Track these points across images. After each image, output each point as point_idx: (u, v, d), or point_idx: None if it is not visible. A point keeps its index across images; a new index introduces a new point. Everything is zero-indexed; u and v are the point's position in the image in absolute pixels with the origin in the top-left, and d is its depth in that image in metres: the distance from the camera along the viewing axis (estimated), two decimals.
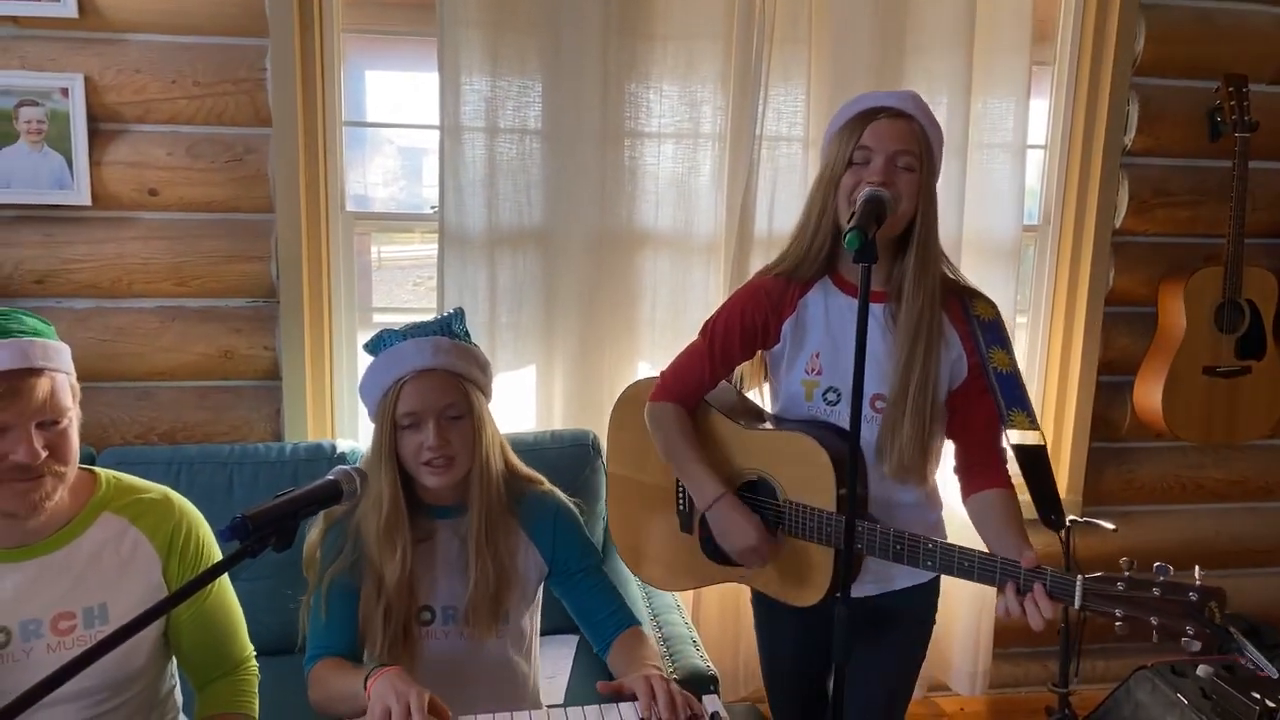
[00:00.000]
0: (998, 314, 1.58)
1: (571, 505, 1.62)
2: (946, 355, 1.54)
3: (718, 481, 1.58)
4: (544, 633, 2.11)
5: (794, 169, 2.51)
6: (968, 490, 1.59)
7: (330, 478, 1.23)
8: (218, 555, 1.52)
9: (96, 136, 2.31)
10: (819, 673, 1.77)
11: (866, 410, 1.53)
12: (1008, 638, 2.86)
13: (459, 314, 1.57)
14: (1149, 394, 2.71)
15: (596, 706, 1.27)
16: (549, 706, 1.32)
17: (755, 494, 1.62)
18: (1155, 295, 2.76)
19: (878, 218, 1.30)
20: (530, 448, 2.29)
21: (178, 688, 1.59)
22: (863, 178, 1.45)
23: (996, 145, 2.57)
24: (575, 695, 2.02)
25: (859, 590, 1.60)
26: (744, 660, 2.68)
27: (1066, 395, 2.83)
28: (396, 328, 1.52)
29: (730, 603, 2.66)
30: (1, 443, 1.26)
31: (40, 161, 2.29)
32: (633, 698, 1.29)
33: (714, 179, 2.48)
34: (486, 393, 1.55)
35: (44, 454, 1.28)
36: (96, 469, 1.47)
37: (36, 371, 1.28)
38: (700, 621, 2.61)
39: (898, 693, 1.72)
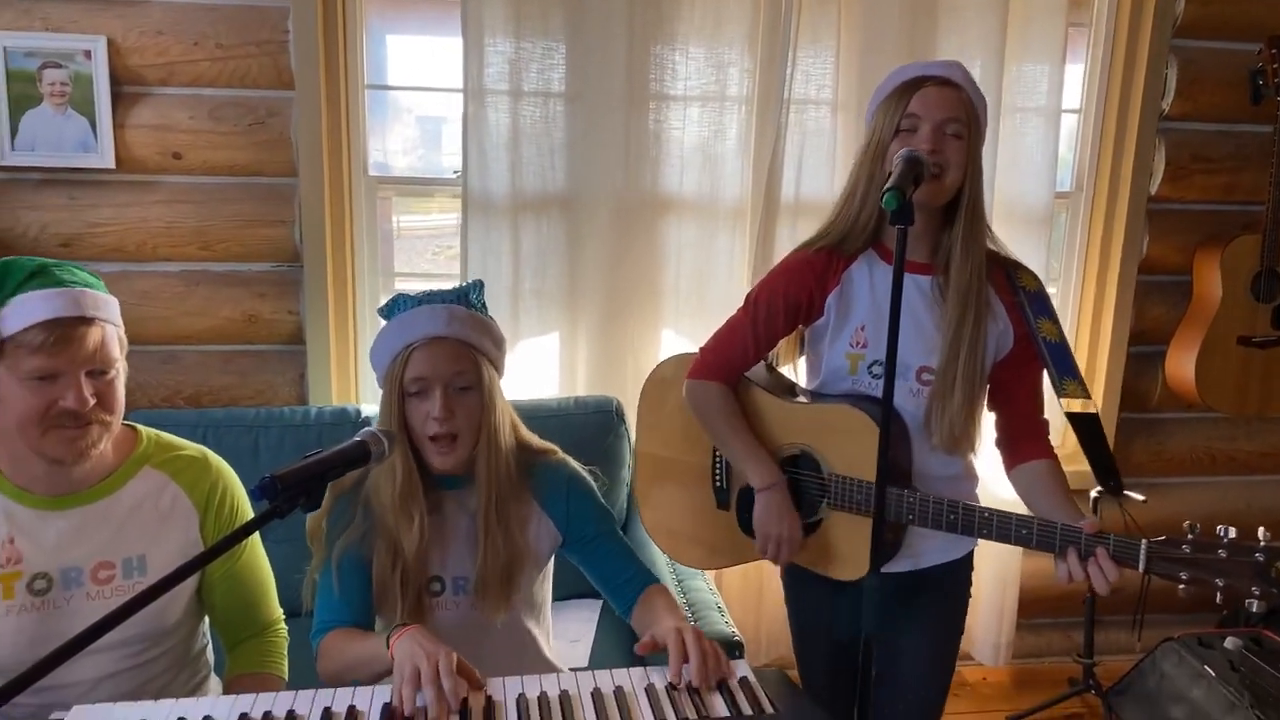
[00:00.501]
0: (1041, 285, 1.55)
1: (584, 472, 1.60)
2: (993, 327, 1.52)
3: (774, 467, 1.57)
4: (567, 597, 2.13)
5: (822, 133, 2.46)
6: (1013, 462, 1.57)
7: (358, 439, 1.23)
8: (250, 514, 1.55)
9: (120, 99, 2.31)
10: (851, 644, 1.76)
11: (912, 383, 1.52)
12: (1031, 609, 2.85)
13: (478, 285, 1.54)
14: (1181, 364, 2.67)
15: (625, 670, 1.27)
16: (573, 670, 1.32)
17: (798, 468, 1.60)
18: (1190, 263, 2.70)
19: (916, 178, 1.28)
20: (553, 414, 2.29)
21: (209, 647, 1.61)
22: (912, 145, 1.43)
23: (1030, 110, 2.51)
24: (599, 659, 2.03)
25: (893, 566, 1.59)
26: (766, 628, 2.69)
27: (1097, 365, 2.79)
28: (413, 293, 1.50)
29: (753, 570, 2.66)
30: (52, 389, 1.29)
31: (64, 124, 2.29)
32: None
33: (740, 143, 2.45)
34: (499, 367, 1.51)
35: (92, 401, 1.30)
36: (138, 425, 1.49)
37: (88, 321, 1.31)
38: (722, 589, 2.61)
39: (937, 671, 1.69)
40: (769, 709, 1.17)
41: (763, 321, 1.59)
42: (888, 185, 1.22)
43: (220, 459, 1.53)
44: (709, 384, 1.62)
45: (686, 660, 1.23)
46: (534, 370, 2.51)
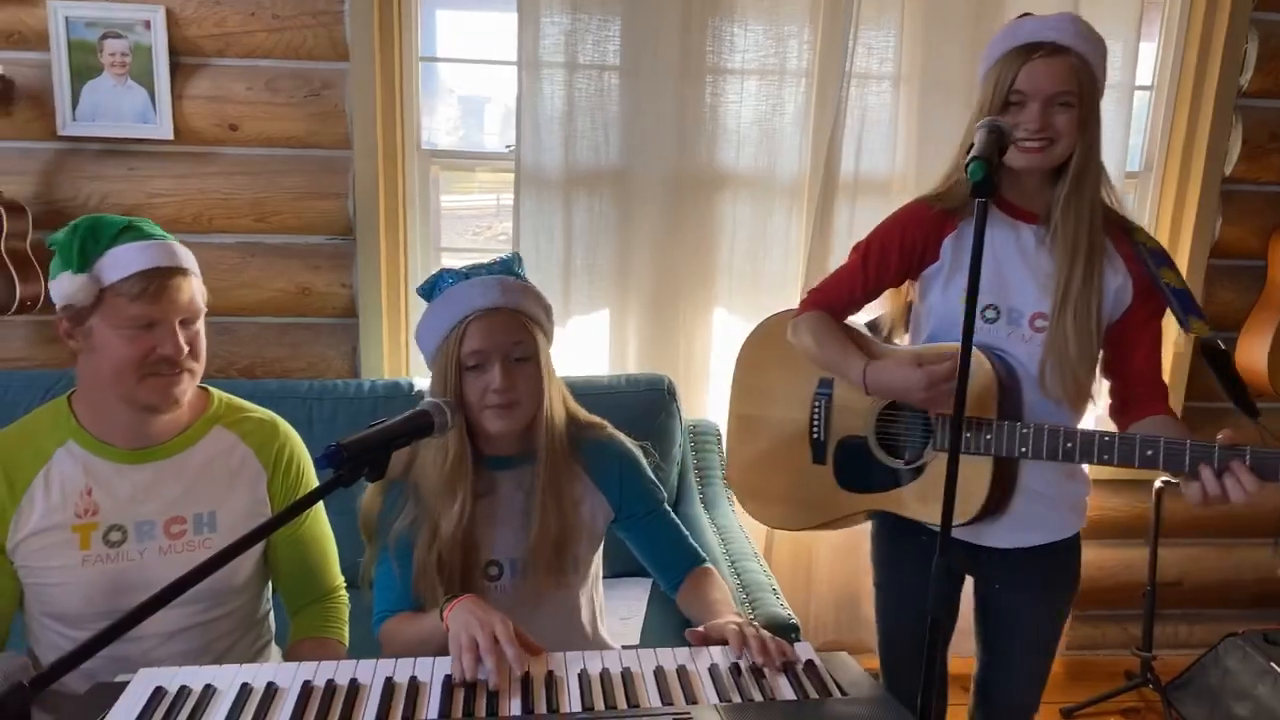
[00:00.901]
0: (1160, 244, 1.52)
1: (635, 448, 1.57)
2: (1111, 279, 1.50)
3: (862, 352, 1.55)
4: (617, 574, 2.12)
5: (884, 108, 2.40)
6: (1128, 423, 1.53)
7: (421, 408, 1.21)
8: (314, 480, 1.57)
9: (177, 70, 2.31)
10: (942, 632, 1.73)
11: (1025, 329, 1.50)
12: (1087, 599, 2.78)
13: (518, 258, 1.51)
14: (1253, 351, 2.57)
15: (687, 649, 1.25)
16: (629, 648, 1.30)
17: (901, 411, 1.59)
18: (1265, 247, 2.60)
19: (1001, 148, 1.23)
20: (604, 391, 2.27)
21: (272, 614, 1.63)
22: (1020, 122, 1.42)
23: None
24: (650, 637, 2.01)
25: (993, 539, 1.56)
26: (814, 611, 2.66)
27: (1164, 352, 2.69)
28: (455, 269, 1.47)
29: (803, 551, 2.62)
30: (149, 337, 1.33)
31: (124, 95, 2.30)
32: (722, 643, 1.25)
33: (799, 118, 2.40)
34: (549, 337, 1.49)
35: (186, 349, 1.36)
36: (209, 387, 1.53)
37: (182, 271, 1.37)
38: (771, 570, 2.58)
39: (1035, 665, 1.66)
40: (836, 692, 1.14)
41: (874, 264, 1.59)
42: (972, 155, 1.18)
43: (287, 424, 1.56)
44: (812, 311, 1.63)
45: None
46: (584, 348, 2.49)
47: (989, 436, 1.46)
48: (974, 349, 1.47)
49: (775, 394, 1.73)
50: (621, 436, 1.56)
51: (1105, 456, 1.37)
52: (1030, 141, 1.42)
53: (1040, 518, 1.57)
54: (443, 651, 1.27)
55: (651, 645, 1.93)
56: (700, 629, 1.28)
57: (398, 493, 1.45)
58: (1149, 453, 1.33)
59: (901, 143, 2.41)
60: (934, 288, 1.59)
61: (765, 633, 1.23)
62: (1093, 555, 2.74)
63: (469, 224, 2.86)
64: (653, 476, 1.57)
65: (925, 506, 1.57)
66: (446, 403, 1.25)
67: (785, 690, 1.15)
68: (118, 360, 1.33)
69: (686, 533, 1.56)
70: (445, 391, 1.40)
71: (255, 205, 2.41)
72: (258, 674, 1.16)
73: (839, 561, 2.66)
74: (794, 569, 2.63)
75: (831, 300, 1.64)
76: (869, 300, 1.66)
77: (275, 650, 1.63)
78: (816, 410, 1.69)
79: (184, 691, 1.11)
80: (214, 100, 2.35)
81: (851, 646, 2.77)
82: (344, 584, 1.62)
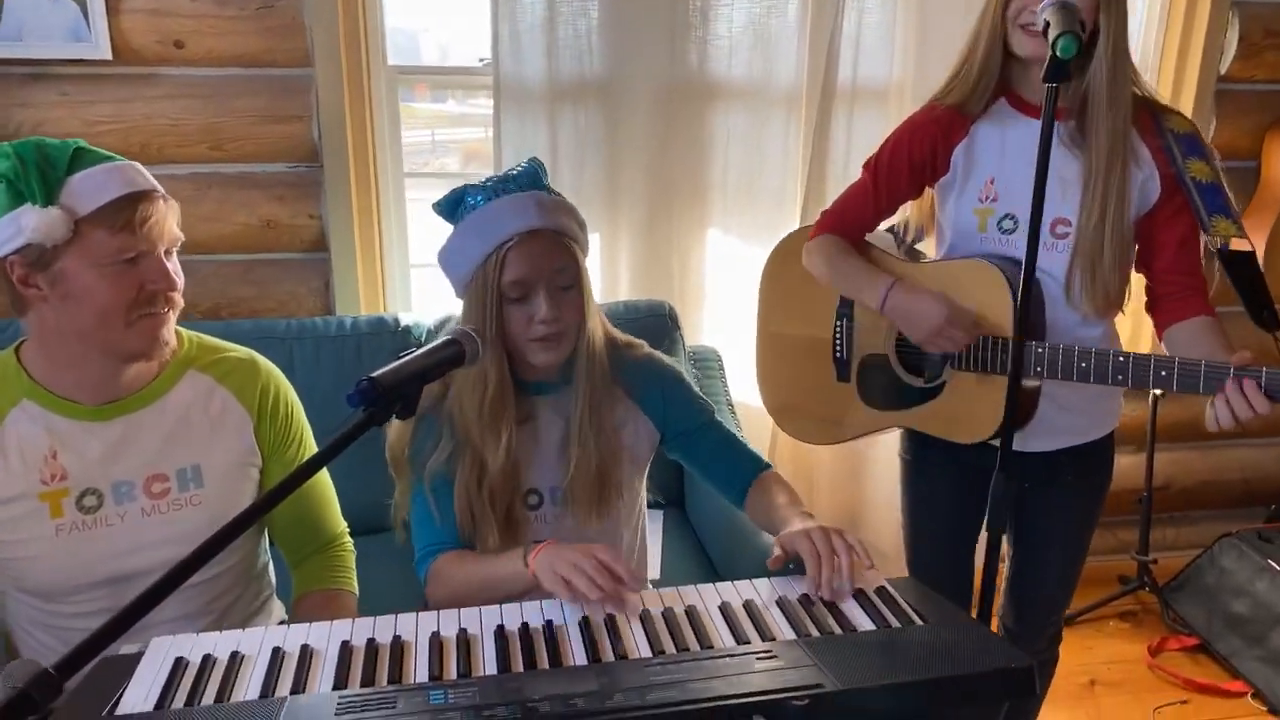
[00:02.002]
0: (1195, 128, 1.43)
1: (675, 365, 1.50)
2: (1136, 174, 1.41)
3: (883, 274, 1.49)
4: None
5: (883, 8, 2.27)
6: (1165, 322, 1.47)
7: (450, 337, 1.09)
8: (304, 420, 1.44)
9: None
10: (968, 536, 1.69)
11: (1046, 237, 1.42)
12: None
13: (541, 167, 1.38)
14: None
15: (749, 582, 1.17)
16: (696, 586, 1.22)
17: None
18: (1259, 148, 2.56)
19: (1081, 23, 1.13)
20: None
21: (271, 565, 1.52)
22: (1028, 4, 1.32)
23: None
24: (667, 569, 1.95)
25: (1023, 444, 1.51)
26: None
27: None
28: (476, 183, 1.34)
29: (801, 473, 2.57)
30: (135, 272, 1.18)
31: (52, 9, 2.06)
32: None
33: (797, 22, 2.26)
34: (586, 253, 1.39)
35: (180, 281, 1.22)
36: (178, 327, 1.36)
37: (158, 194, 1.22)
38: None
39: (1065, 563, 1.64)
40: (916, 619, 1.07)
41: (884, 180, 1.52)
42: (1059, 32, 1.07)
43: (268, 361, 1.42)
44: (827, 235, 1.57)
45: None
46: None
47: (1004, 357, 1.41)
48: (989, 264, 1.43)
49: (799, 310, 1.67)
50: (660, 354, 1.47)
51: (1119, 377, 1.33)
52: (1030, 23, 1.31)
53: (1069, 423, 1.53)
54: (516, 597, 1.19)
55: (672, 579, 1.92)
56: (778, 550, 1.20)
57: (428, 426, 1.35)
58: (1163, 373, 1.29)
59: (899, 49, 2.29)
60: (948, 198, 1.53)
61: (839, 541, 1.15)
62: None
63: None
64: (698, 390, 1.49)
65: (945, 424, 1.54)
66: (474, 330, 1.13)
67: (863, 620, 1.08)
68: (104, 304, 1.16)
69: (744, 440, 1.48)
70: (484, 324, 1.28)
71: (209, 131, 2.20)
72: (288, 636, 1.05)
73: (839, 483, 2.62)
74: (794, 481, 2.57)
75: (845, 221, 1.58)
76: (885, 218, 1.60)
77: (278, 604, 1.52)
78: (839, 329, 1.65)
79: (210, 661, 1.00)
80: (155, 14, 2.12)
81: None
82: (347, 530, 1.51)
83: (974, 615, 1.30)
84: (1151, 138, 1.41)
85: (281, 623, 1.49)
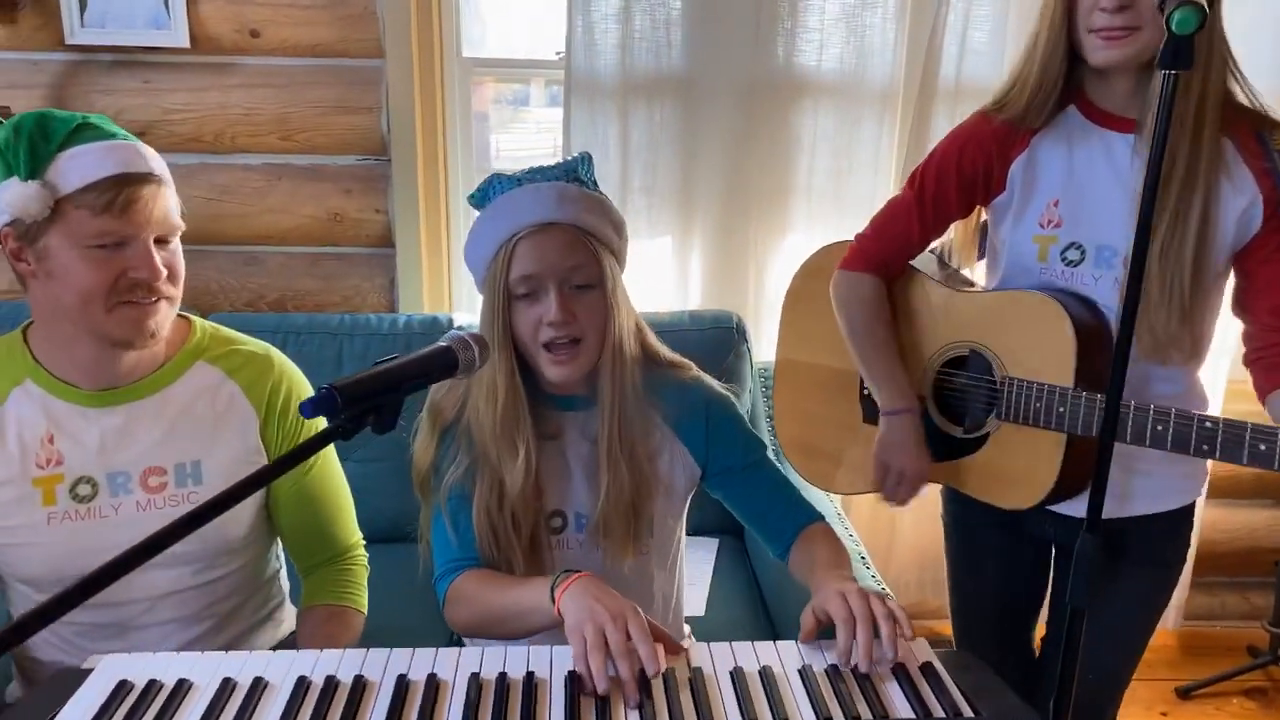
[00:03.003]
0: None
1: (726, 393, 1.33)
2: (1233, 200, 1.17)
3: (908, 390, 1.36)
4: None
5: (989, 2, 2.05)
6: (1267, 385, 1.20)
7: (443, 344, 0.98)
8: (321, 423, 1.34)
9: None
10: (1024, 613, 1.49)
11: (1119, 271, 1.21)
12: (1204, 566, 2.47)
13: (586, 158, 1.26)
14: None
15: (771, 643, 1.00)
16: (702, 640, 1.06)
17: (964, 371, 1.34)
18: None
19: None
20: (665, 329, 1.98)
21: (284, 572, 1.45)
22: (1096, 3, 1.13)
23: None
24: (715, 604, 1.79)
25: (1078, 507, 1.26)
26: (895, 572, 2.41)
27: None
28: (510, 173, 1.23)
29: (883, 505, 2.35)
30: (118, 258, 1.12)
31: None
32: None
33: (895, 13, 2.06)
34: (620, 259, 1.25)
35: (165, 272, 1.15)
36: (191, 315, 1.31)
37: (155, 179, 1.15)
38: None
39: (1125, 648, 1.38)
40: (965, 708, 0.89)
41: (930, 199, 1.32)
42: (1177, 3, 0.88)
43: (285, 358, 1.34)
44: (860, 276, 1.38)
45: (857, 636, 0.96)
46: (642, 280, 2.22)
47: (1061, 410, 1.19)
48: (1048, 297, 1.22)
49: (826, 339, 1.47)
50: (710, 379, 1.32)
51: (1204, 447, 1.09)
52: (1110, 28, 1.11)
53: (1141, 486, 1.28)
54: (537, 630, 1.08)
55: (719, 614, 1.76)
56: (810, 622, 1.02)
57: (452, 438, 1.24)
58: (1262, 447, 1.04)
59: (1012, 41, 2.06)
60: (1004, 221, 1.32)
61: (878, 606, 0.97)
62: (1213, 516, 2.44)
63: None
64: (749, 426, 1.34)
65: (986, 483, 1.32)
66: (475, 337, 1.01)
67: (900, 703, 0.90)
68: (82, 287, 1.11)
69: (795, 488, 1.32)
70: (493, 323, 1.17)
71: (280, 121, 2.17)
72: (244, 666, 0.95)
73: (923, 518, 2.39)
74: (873, 526, 2.38)
75: (885, 251, 1.38)
76: (929, 241, 1.39)
77: (290, 610, 1.45)
78: None
79: (153, 686, 0.91)
80: (232, 2, 2.10)
81: (935, 611, 2.54)
82: (362, 541, 1.42)
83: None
84: (1255, 159, 1.16)
85: (289, 637, 1.42)
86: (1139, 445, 1.14)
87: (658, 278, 2.24)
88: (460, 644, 1.40)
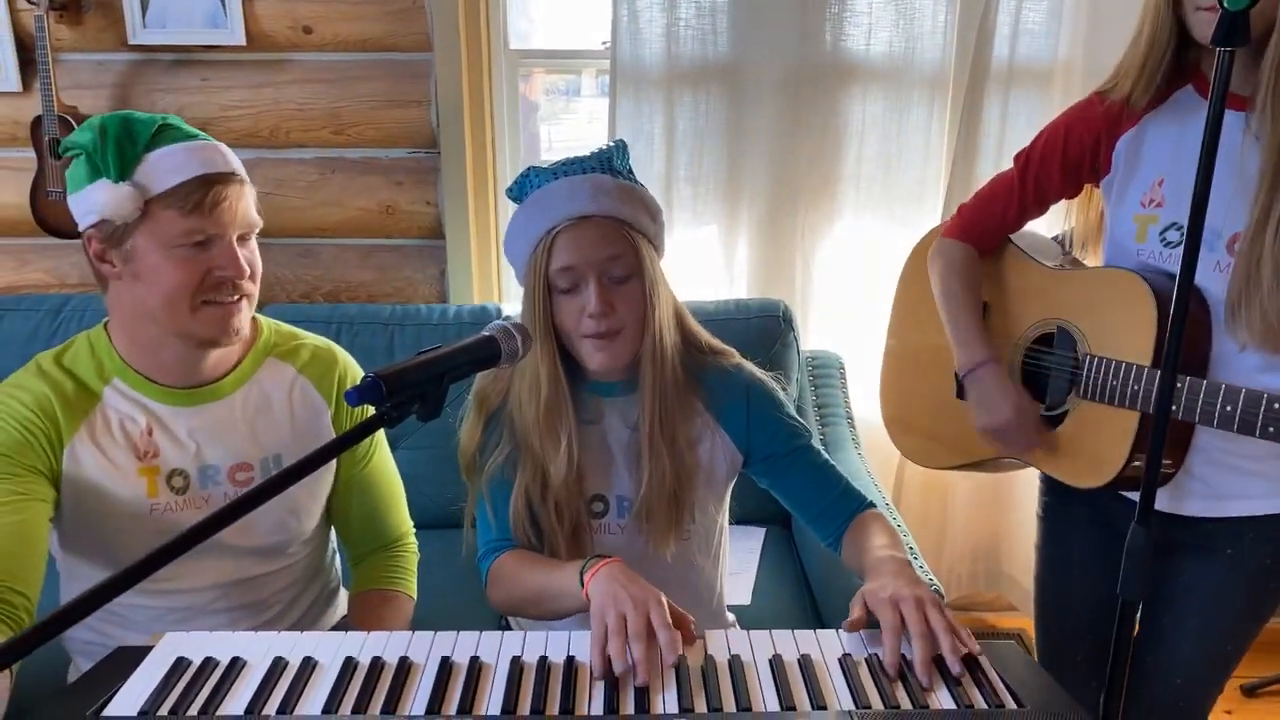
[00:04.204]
0: None
1: (768, 379, 1.33)
2: None
3: (985, 345, 1.37)
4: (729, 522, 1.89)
5: None
6: None
7: (486, 334, 0.99)
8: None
9: None
10: (1112, 605, 1.44)
11: (1221, 254, 1.18)
12: None
13: (621, 147, 1.26)
14: None
15: (812, 632, 1.00)
16: (743, 626, 1.06)
17: (1051, 348, 1.34)
18: None
19: None
20: (711, 318, 1.96)
21: (338, 555, 1.49)
22: None
23: None
24: (762, 593, 1.78)
25: (1176, 505, 1.26)
26: (948, 563, 2.38)
27: None
28: (545, 165, 1.24)
29: (935, 495, 2.33)
30: (204, 257, 1.14)
31: None
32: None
33: None
34: (658, 246, 1.26)
35: (248, 269, 1.18)
36: (255, 313, 1.33)
37: (238, 178, 1.18)
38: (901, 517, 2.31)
39: (1206, 659, 1.32)
40: (1009, 700, 0.88)
41: (1034, 175, 1.34)
42: None
43: (342, 350, 1.39)
44: (954, 242, 1.41)
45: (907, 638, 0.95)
46: (688, 269, 2.22)
47: (1136, 387, 1.18)
48: (1136, 275, 1.21)
49: (927, 317, 1.49)
50: (751, 366, 1.32)
51: (1272, 429, 1.07)
52: (1213, 5, 1.06)
53: (1240, 486, 1.23)
54: (569, 613, 1.10)
55: (766, 604, 1.76)
56: (857, 612, 1.01)
57: (494, 427, 1.26)
58: None
59: (1068, 21, 2.00)
60: (1109, 199, 1.30)
61: (939, 621, 0.95)
62: None
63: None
64: (793, 412, 1.32)
65: (1059, 460, 1.31)
66: (518, 326, 1.02)
67: (942, 694, 0.89)
68: (169, 287, 1.13)
69: (842, 475, 1.30)
70: (534, 315, 1.19)
71: (332, 116, 2.22)
72: (295, 646, 0.98)
73: (977, 508, 2.35)
74: (925, 516, 2.35)
75: (982, 222, 1.40)
76: (1032, 217, 1.39)
77: (343, 594, 1.49)
78: None
79: (209, 664, 0.94)
80: (286, 0, 2.15)
81: (990, 603, 2.50)
82: (412, 530, 1.45)
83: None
84: None
85: (341, 621, 1.46)
86: (1208, 425, 1.12)
87: (704, 267, 2.24)
88: (506, 627, 1.43)
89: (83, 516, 1.19)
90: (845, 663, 0.94)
